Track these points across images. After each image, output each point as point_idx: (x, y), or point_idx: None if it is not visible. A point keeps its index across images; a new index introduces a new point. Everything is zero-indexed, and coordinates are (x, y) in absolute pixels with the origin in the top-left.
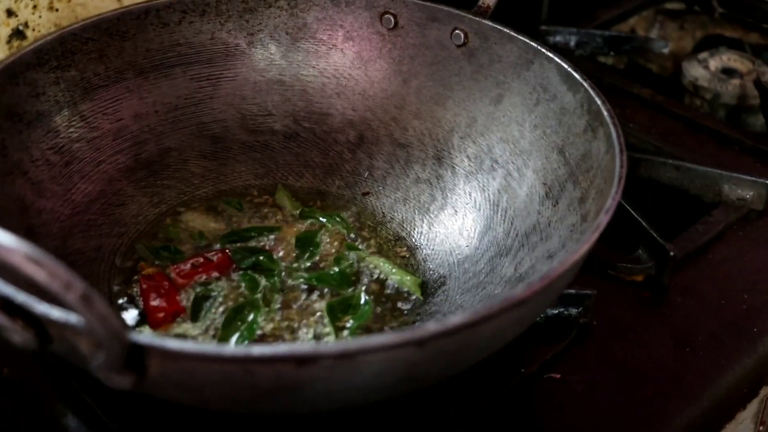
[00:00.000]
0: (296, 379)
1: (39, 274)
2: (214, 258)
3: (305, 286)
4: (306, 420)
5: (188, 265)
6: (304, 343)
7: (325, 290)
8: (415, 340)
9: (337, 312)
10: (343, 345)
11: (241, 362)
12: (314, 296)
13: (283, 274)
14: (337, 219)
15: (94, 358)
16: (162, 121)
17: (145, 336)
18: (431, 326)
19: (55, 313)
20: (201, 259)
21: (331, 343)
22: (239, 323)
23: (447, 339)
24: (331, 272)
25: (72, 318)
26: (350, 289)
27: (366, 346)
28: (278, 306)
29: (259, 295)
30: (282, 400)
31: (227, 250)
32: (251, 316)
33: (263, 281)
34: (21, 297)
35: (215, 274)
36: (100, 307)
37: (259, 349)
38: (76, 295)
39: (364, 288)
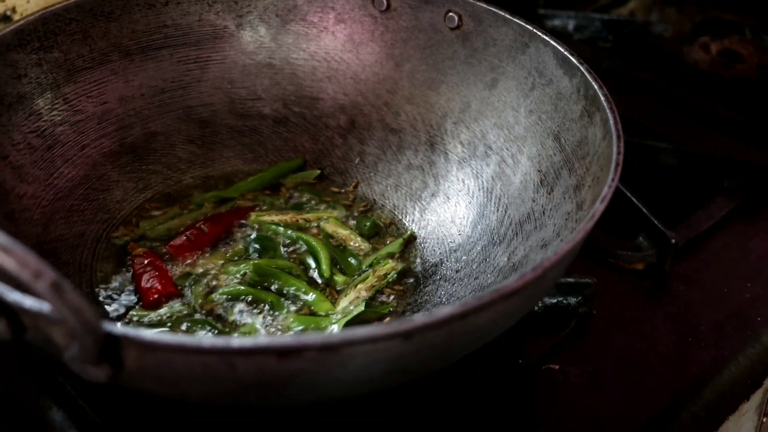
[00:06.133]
0: (279, 372)
1: (8, 263)
2: (206, 228)
3: None
4: (291, 411)
5: (183, 239)
6: (286, 335)
7: None
8: (402, 333)
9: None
10: (327, 337)
11: (221, 354)
12: None
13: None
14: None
15: (67, 349)
16: (148, 105)
17: (120, 327)
18: (418, 318)
19: (27, 301)
20: (194, 231)
21: (314, 335)
22: None
23: (435, 331)
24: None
25: (45, 307)
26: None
27: (350, 338)
28: None
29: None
30: (264, 392)
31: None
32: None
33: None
34: None
35: (211, 244)
36: (71, 296)
37: (239, 341)
38: (46, 284)
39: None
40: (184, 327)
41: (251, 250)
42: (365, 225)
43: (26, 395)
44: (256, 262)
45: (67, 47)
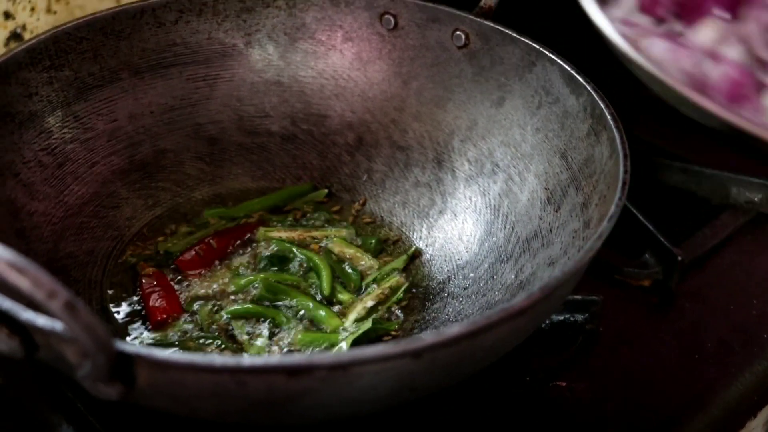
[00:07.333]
0: (288, 391)
1: (22, 282)
2: (214, 243)
3: None
4: (299, 430)
5: (192, 254)
6: (297, 354)
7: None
8: (411, 352)
9: None
10: (337, 356)
11: (232, 373)
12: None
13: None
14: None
15: (80, 368)
16: (157, 122)
17: (133, 346)
18: (428, 337)
19: (40, 320)
20: (203, 246)
21: (324, 354)
22: None
23: (444, 350)
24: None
25: (57, 325)
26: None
27: (360, 357)
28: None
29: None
30: (275, 411)
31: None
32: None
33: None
34: (6, 304)
35: (219, 259)
36: (84, 315)
37: (250, 360)
38: (60, 303)
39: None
40: (193, 346)
41: (263, 264)
42: (370, 243)
43: (37, 411)
44: (264, 276)
45: (77, 65)
